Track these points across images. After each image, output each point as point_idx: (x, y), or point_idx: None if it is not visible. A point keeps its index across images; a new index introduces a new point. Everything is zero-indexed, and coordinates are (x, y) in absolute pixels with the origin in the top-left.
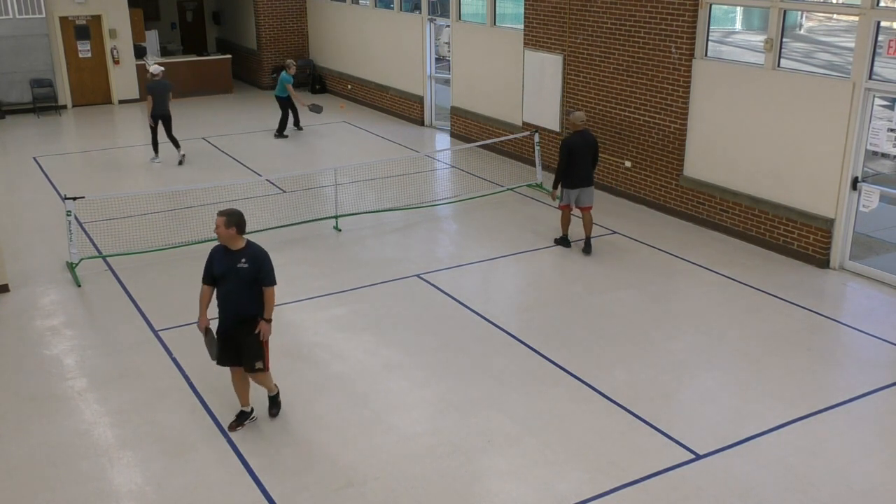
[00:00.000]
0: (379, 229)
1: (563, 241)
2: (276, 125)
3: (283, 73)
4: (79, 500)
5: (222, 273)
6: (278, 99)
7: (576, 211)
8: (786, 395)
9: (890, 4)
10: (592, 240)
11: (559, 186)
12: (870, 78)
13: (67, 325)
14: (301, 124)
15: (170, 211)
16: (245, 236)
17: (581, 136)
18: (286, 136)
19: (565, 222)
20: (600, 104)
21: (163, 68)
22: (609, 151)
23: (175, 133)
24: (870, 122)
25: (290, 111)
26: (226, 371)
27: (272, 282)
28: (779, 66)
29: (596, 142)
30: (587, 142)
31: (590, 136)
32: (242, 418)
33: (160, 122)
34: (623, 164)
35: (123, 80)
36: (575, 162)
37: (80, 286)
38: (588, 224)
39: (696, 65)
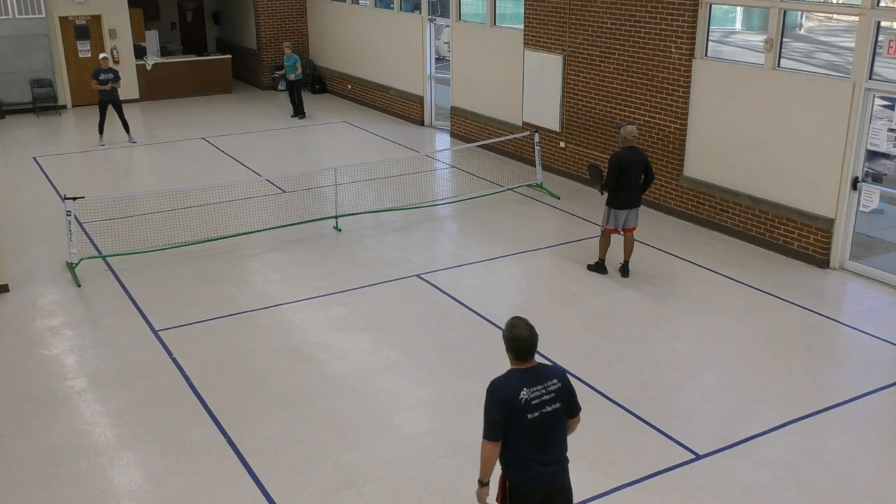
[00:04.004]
0: (379, 229)
1: (600, 268)
2: (275, 125)
3: (284, 58)
4: (79, 500)
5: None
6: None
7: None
8: (786, 395)
9: (890, 4)
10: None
11: (605, 196)
12: (870, 78)
13: (67, 325)
14: (301, 114)
15: (170, 211)
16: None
17: (633, 152)
18: (303, 116)
19: (605, 246)
20: (600, 104)
21: (109, 55)
22: (609, 151)
23: (173, 131)
24: (870, 122)
25: (292, 92)
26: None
27: (483, 435)
28: (779, 66)
29: (647, 159)
30: (639, 158)
31: (641, 154)
32: None
33: (110, 107)
34: None
35: (123, 80)
36: (626, 181)
37: (80, 286)
38: (629, 246)
39: (696, 65)
